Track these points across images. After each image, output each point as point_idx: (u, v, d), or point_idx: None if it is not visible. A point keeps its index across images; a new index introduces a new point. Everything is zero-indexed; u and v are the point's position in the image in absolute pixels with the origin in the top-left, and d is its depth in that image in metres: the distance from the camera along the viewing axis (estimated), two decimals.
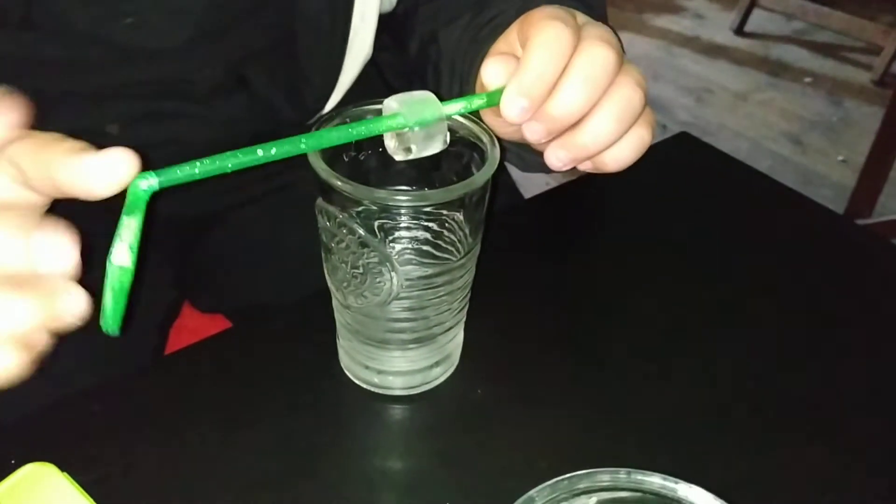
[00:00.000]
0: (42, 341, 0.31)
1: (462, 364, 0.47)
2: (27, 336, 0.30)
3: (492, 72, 0.40)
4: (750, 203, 0.62)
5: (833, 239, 0.60)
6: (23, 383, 0.32)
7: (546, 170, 0.51)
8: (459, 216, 0.40)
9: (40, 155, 0.29)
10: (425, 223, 0.40)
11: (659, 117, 2.04)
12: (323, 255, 0.43)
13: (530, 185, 0.75)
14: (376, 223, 0.39)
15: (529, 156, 0.50)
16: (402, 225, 0.40)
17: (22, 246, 0.30)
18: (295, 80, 0.60)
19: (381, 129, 0.37)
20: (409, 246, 0.41)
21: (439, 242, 0.41)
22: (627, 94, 0.40)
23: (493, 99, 0.39)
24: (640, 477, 0.28)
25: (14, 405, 0.49)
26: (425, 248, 0.41)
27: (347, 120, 0.40)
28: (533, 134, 0.40)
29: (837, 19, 2.55)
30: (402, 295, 0.40)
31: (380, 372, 0.44)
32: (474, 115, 0.41)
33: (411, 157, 0.38)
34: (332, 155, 0.39)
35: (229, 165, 0.32)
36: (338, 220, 0.39)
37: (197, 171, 0.31)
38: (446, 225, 0.40)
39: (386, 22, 0.62)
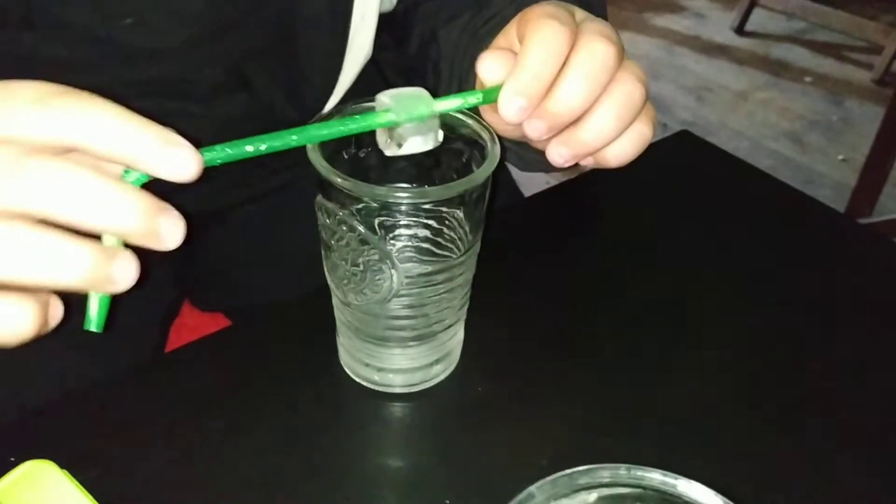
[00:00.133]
0: (57, 310, 0.31)
1: (462, 362, 0.47)
2: (68, 286, 0.30)
3: (488, 67, 0.40)
4: (751, 202, 0.62)
5: (834, 238, 0.60)
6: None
7: (545, 168, 0.51)
8: (459, 213, 0.40)
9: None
10: (425, 220, 0.40)
11: (659, 116, 2.03)
12: (323, 252, 0.43)
13: (530, 183, 0.75)
14: (376, 220, 0.39)
15: (529, 154, 0.50)
16: (403, 222, 0.40)
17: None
18: (295, 79, 0.60)
19: (372, 124, 0.37)
20: (410, 243, 0.41)
21: (439, 240, 0.41)
22: (628, 90, 0.40)
23: (490, 96, 0.39)
24: (640, 473, 0.28)
25: (13, 402, 0.49)
26: (425, 245, 0.41)
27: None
28: (534, 131, 0.40)
29: (838, 19, 2.55)
30: (403, 292, 0.40)
31: (380, 370, 0.44)
32: (474, 112, 0.41)
33: (401, 153, 0.38)
34: (333, 152, 0.39)
35: (218, 160, 0.32)
36: (338, 217, 0.39)
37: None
38: (446, 222, 0.40)
39: (386, 21, 0.62)
